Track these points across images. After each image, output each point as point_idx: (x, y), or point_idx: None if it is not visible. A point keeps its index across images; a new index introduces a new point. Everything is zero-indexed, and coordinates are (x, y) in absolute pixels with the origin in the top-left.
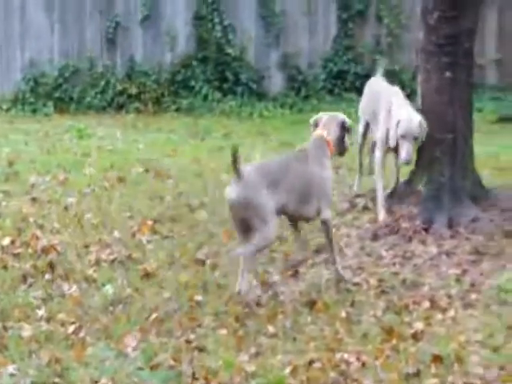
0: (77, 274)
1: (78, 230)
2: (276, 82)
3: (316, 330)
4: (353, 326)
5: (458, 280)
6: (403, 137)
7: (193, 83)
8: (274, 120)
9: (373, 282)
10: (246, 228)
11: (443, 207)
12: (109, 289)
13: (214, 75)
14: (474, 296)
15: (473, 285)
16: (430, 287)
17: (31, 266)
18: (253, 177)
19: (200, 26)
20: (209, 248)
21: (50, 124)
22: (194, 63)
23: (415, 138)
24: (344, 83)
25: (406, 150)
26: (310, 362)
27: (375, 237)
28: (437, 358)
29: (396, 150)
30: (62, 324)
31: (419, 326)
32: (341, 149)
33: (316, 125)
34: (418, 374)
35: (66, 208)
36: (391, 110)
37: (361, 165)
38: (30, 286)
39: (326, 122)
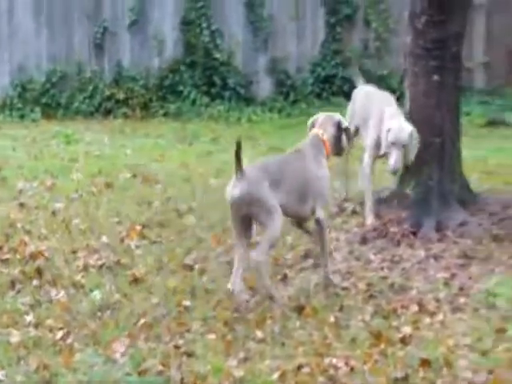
0: (65, 279)
1: (66, 235)
2: (264, 87)
3: (304, 334)
4: (341, 331)
5: (446, 284)
6: (393, 144)
7: (181, 88)
8: (263, 124)
9: (361, 286)
10: (245, 228)
11: (431, 211)
12: (97, 294)
13: (201, 80)
14: (462, 300)
15: (461, 289)
16: (419, 291)
17: (19, 272)
18: (255, 173)
19: (188, 30)
20: (197, 253)
21: (38, 130)
22: (182, 68)
23: (404, 146)
24: (332, 87)
25: (395, 159)
26: (299, 367)
27: (364, 241)
28: (425, 362)
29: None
30: (50, 330)
31: (407, 330)
32: (338, 149)
33: (313, 125)
34: (406, 378)
35: (53, 213)
36: (383, 119)
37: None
38: (18, 291)
39: (322, 121)
